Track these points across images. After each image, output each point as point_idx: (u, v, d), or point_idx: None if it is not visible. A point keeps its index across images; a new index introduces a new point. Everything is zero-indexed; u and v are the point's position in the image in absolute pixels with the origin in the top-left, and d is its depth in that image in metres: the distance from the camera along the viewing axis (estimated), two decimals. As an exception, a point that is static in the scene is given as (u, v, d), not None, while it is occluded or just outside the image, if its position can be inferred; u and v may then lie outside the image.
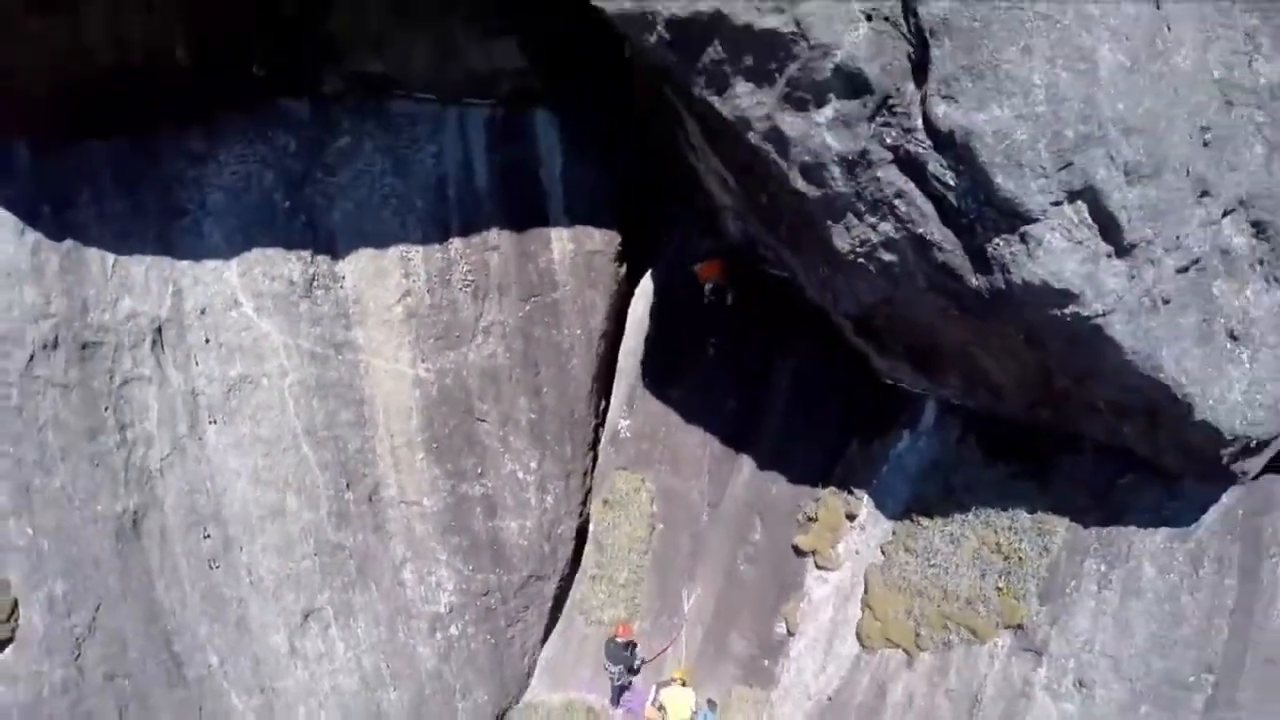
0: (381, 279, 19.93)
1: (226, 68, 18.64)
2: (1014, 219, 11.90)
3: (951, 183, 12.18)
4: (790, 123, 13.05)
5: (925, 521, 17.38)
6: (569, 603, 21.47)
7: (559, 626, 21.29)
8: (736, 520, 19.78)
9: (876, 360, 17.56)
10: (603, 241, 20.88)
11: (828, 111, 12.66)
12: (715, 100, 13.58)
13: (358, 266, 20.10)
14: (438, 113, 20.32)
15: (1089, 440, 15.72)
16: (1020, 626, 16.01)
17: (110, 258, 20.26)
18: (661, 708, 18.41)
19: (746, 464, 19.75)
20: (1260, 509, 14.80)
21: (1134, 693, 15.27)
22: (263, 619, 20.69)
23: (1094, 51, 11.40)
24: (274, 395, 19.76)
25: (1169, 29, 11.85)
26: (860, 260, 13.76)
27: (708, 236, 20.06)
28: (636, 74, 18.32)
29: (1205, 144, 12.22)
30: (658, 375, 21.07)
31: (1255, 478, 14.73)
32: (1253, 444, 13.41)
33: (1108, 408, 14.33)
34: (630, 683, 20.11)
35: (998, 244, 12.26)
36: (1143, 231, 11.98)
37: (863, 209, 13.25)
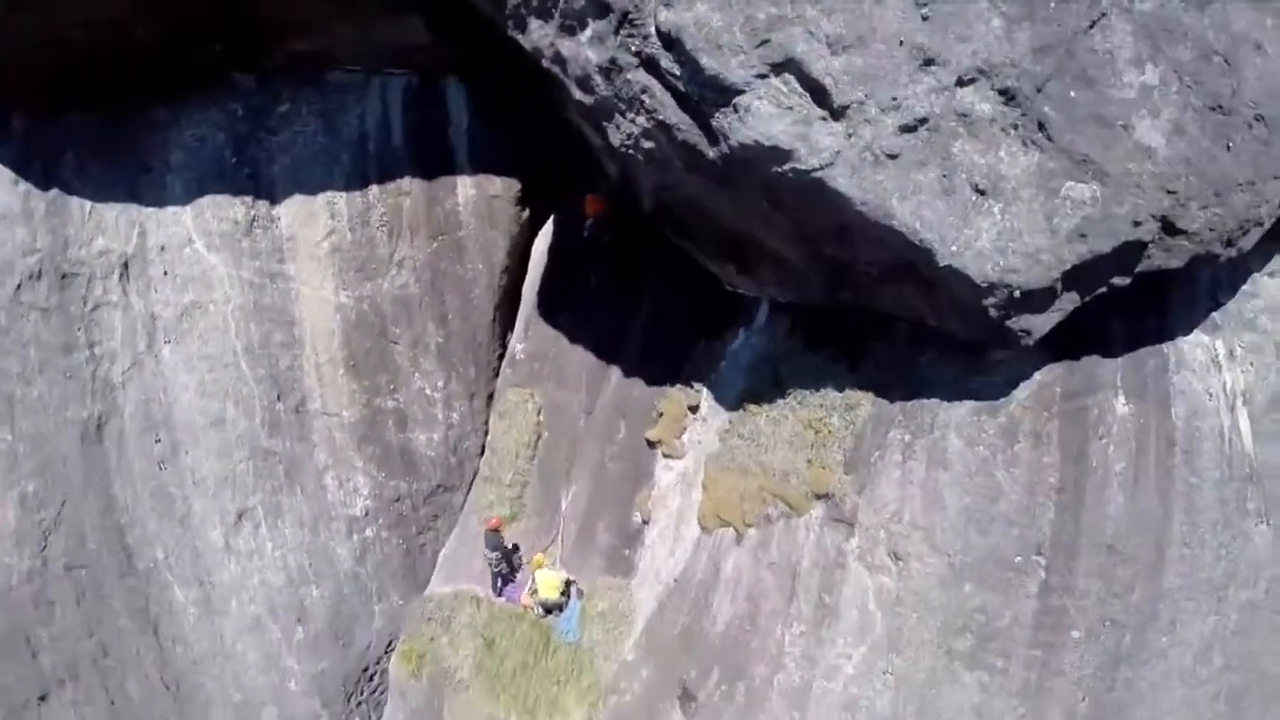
0: (311, 220, 22.05)
1: (185, 47, 22.14)
2: (724, 93, 13.73)
3: (678, 73, 14.05)
4: (565, 45, 15.49)
5: (754, 409, 18.75)
6: (466, 504, 23.75)
7: (457, 527, 23.52)
8: (605, 423, 21.68)
9: (709, 264, 19.30)
10: (503, 188, 23.72)
11: (587, 32, 14.92)
12: (519, 37, 16.44)
13: (291, 210, 22.28)
14: (363, 81, 23.55)
15: (900, 325, 16.77)
16: (829, 495, 16.82)
17: (88, 205, 23.68)
18: (534, 591, 20.93)
19: (615, 374, 21.88)
20: (1083, 389, 15.52)
21: (954, 568, 15.77)
22: (203, 516, 23.35)
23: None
24: (219, 319, 22.20)
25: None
26: (631, 151, 15.83)
27: (596, 178, 22.32)
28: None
29: (924, 19, 13.46)
30: (549, 303, 23.53)
31: (1075, 356, 15.63)
32: (1016, 294, 14.12)
33: (881, 274, 15.60)
34: (509, 572, 22.30)
35: (718, 117, 13.99)
36: (853, 94, 13.43)
37: (623, 107, 15.23)
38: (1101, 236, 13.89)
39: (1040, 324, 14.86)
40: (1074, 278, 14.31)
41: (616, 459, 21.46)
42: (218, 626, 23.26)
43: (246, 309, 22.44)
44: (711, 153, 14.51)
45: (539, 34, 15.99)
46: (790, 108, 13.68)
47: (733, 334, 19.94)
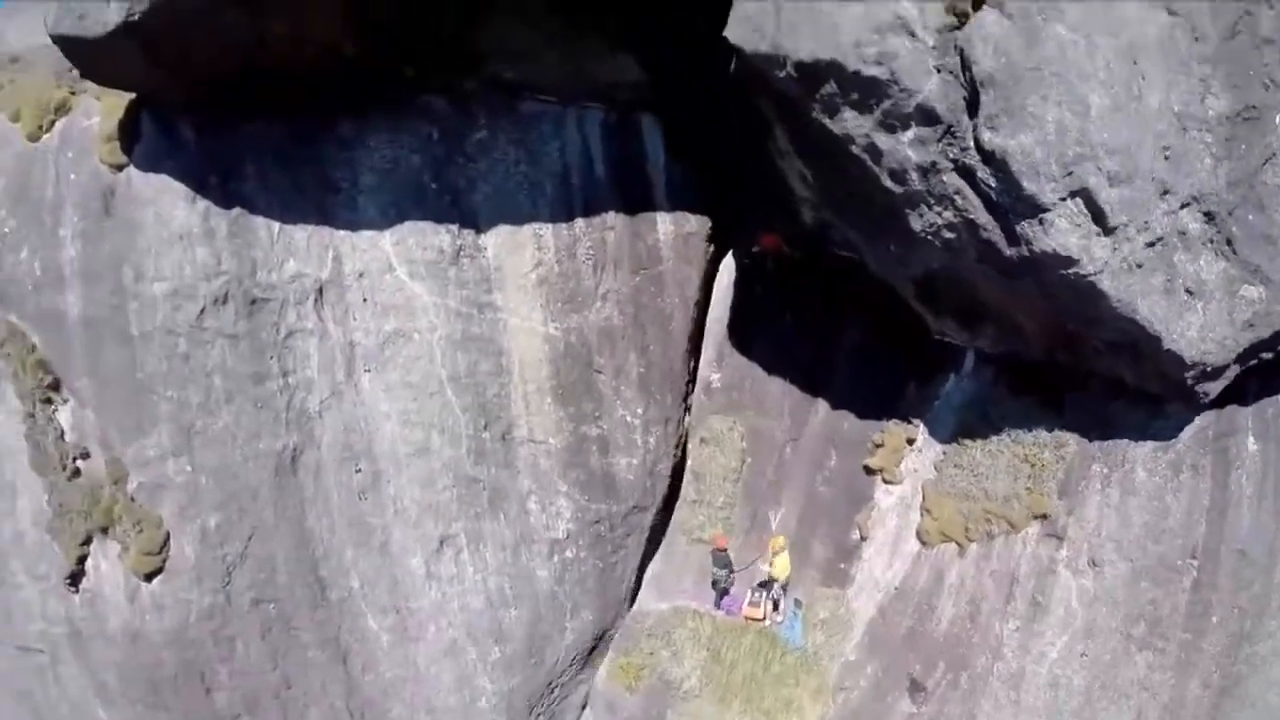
0: (518, 251, 17.99)
1: (385, 65, 14.36)
2: (1034, 208, 13.23)
3: (993, 184, 13.45)
4: (882, 140, 14.04)
5: (968, 443, 17.16)
6: (671, 525, 19.65)
7: (663, 546, 19.71)
8: (814, 451, 18.41)
9: (931, 320, 17.60)
10: (697, 225, 18.96)
11: (910, 134, 13.80)
12: (826, 120, 14.31)
13: (498, 240, 17.79)
14: (559, 113, 17.88)
15: (1095, 378, 16.06)
16: (1045, 516, 16.25)
17: (275, 225, 16.77)
18: (770, 565, 17.09)
19: (821, 406, 18.58)
20: (1227, 432, 15.36)
21: (1134, 571, 15.51)
22: (403, 544, 17.35)
23: (1087, 98, 12.87)
24: (423, 347, 17.67)
25: (1143, 78, 13.09)
26: (929, 238, 14.85)
27: (782, 222, 18.36)
28: (731, 88, 16.57)
29: (1166, 158, 13.18)
30: (743, 336, 19.56)
31: (1221, 405, 14.96)
32: (1208, 369, 14.26)
33: (1106, 347, 15.26)
34: (730, 588, 18.24)
35: (1024, 226, 13.35)
36: (1120, 218, 13.12)
37: (932, 201, 14.31)
38: (1264, 327, 14.02)
39: (1214, 388, 14.73)
40: (1241, 356, 14.53)
41: (829, 483, 18.20)
42: (412, 653, 17.70)
43: (453, 338, 17.67)
44: (1009, 251, 13.84)
45: (853, 124, 13.98)
46: (1079, 225, 13.12)
47: (944, 378, 17.60)
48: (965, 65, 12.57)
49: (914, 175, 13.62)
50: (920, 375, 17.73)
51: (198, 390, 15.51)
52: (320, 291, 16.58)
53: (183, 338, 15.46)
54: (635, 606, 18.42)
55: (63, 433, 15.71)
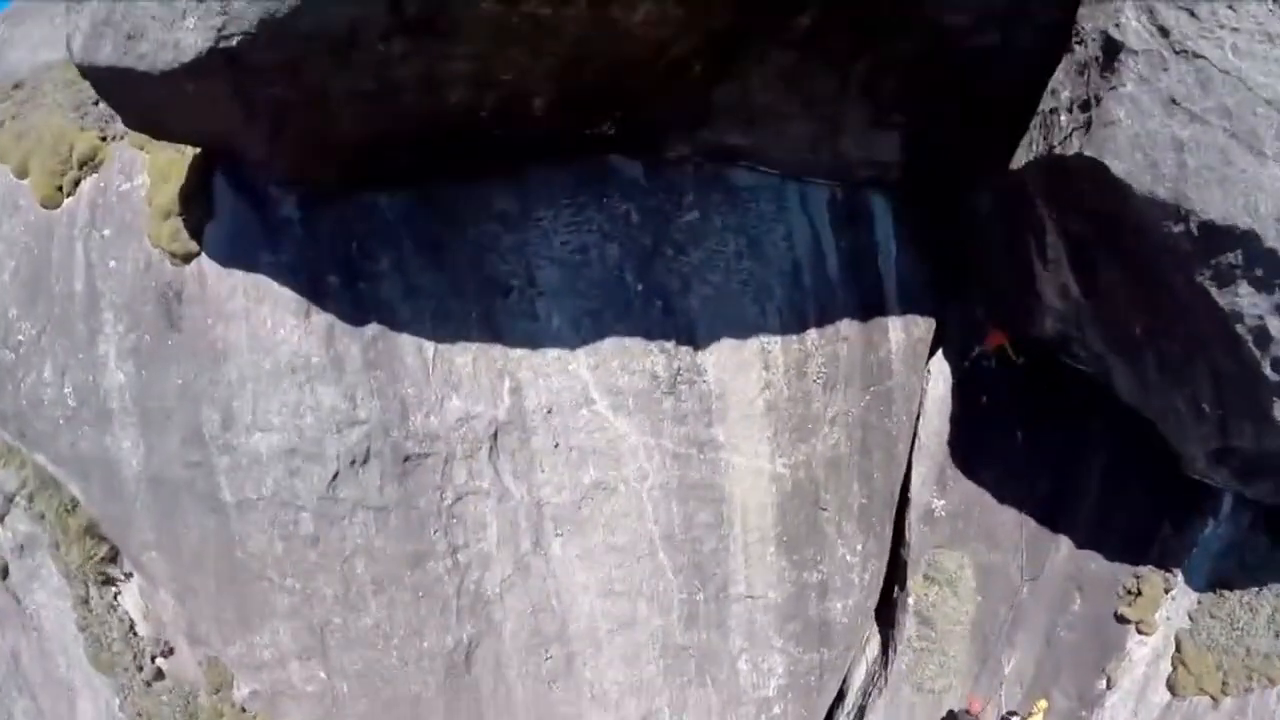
0: (744, 371, 10.12)
1: (577, 123, 5.29)
2: None
3: None
4: (1275, 324, 7.29)
5: (1225, 593, 11.11)
6: (893, 672, 12.17)
7: (885, 697, 12.28)
8: (1056, 592, 11.89)
9: (1202, 467, 10.29)
10: (925, 329, 11.56)
11: None
12: (1212, 289, 7.53)
13: (720, 358, 10.00)
14: (778, 186, 10.12)
15: None
16: None
17: (429, 346, 8.93)
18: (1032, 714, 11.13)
19: (1064, 542, 11.79)
20: None
21: None
22: None
23: None
24: (631, 501, 10.67)
25: None
26: None
27: (1013, 325, 11.24)
28: (994, 175, 9.40)
29: None
30: (968, 456, 12.07)
31: None
32: None
33: None
34: None
35: None
36: None
37: None
38: None
39: None
40: None
41: (1072, 628, 11.83)
42: None
43: (668, 487, 10.00)
44: None
45: (1247, 302, 7.28)
46: None
47: (1201, 522, 11.15)
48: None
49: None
50: (1175, 515, 11.43)
51: (332, 579, 8.38)
52: (495, 437, 8.80)
53: (307, 512, 8.18)
54: (854, 767, 12.51)
55: (133, 624, 9.17)
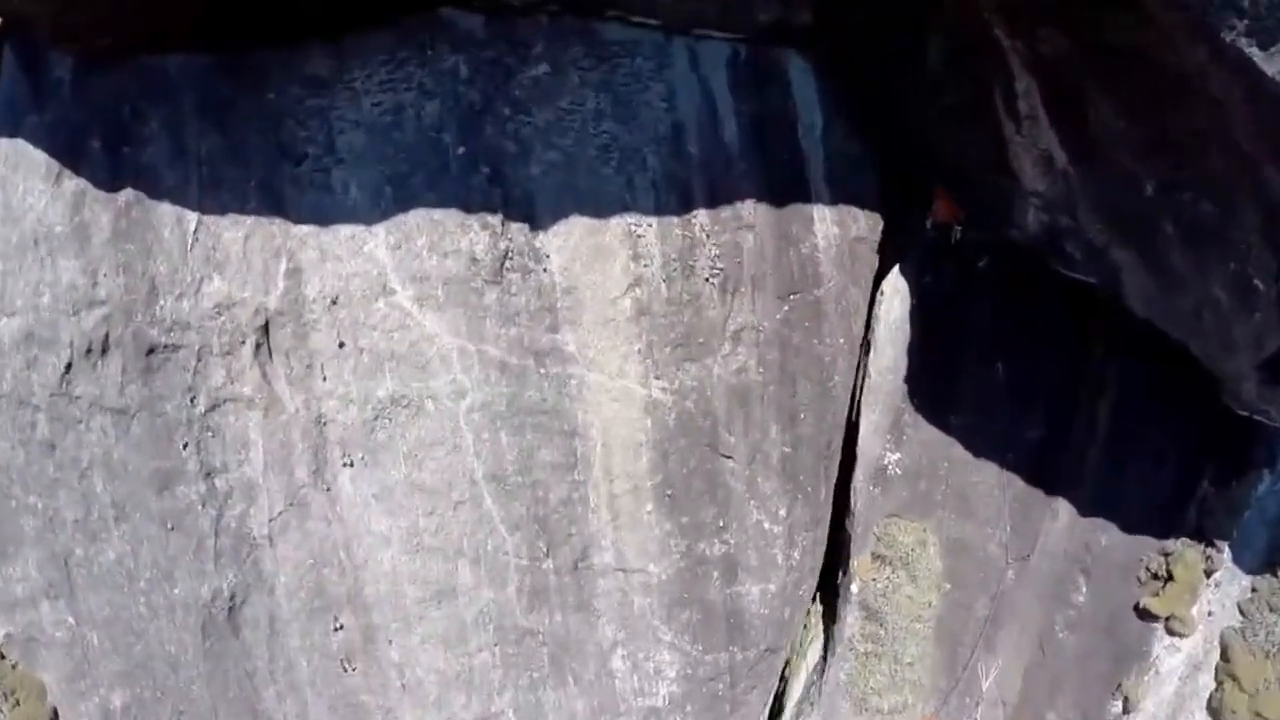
0: (602, 261, 7.28)
1: None
2: None
3: None
4: None
5: None
6: (828, 684, 8.42)
7: (819, 710, 8.43)
8: (1052, 577, 8.03)
9: (1252, 395, 6.62)
10: (868, 226, 8.19)
11: None
12: (1253, 51, 4.30)
13: (568, 242, 7.22)
14: (660, 42, 7.40)
15: None
16: None
17: (191, 218, 6.87)
18: None
19: (1063, 508, 7.97)
20: None
21: None
22: None
23: None
24: (443, 425, 7.13)
25: None
26: None
27: (987, 222, 7.89)
28: (946, 10, 6.76)
29: None
30: (931, 397, 8.38)
31: None
32: None
33: None
34: None
35: None
36: None
37: None
38: None
39: None
40: None
41: (1075, 628, 7.85)
42: None
43: (494, 409, 7.00)
44: None
45: None
46: None
47: (1253, 474, 7.25)
48: None
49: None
50: (1216, 467, 7.61)
51: (72, 499, 6.47)
52: (265, 331, 6.60)
53: (42, 412, 6.36)
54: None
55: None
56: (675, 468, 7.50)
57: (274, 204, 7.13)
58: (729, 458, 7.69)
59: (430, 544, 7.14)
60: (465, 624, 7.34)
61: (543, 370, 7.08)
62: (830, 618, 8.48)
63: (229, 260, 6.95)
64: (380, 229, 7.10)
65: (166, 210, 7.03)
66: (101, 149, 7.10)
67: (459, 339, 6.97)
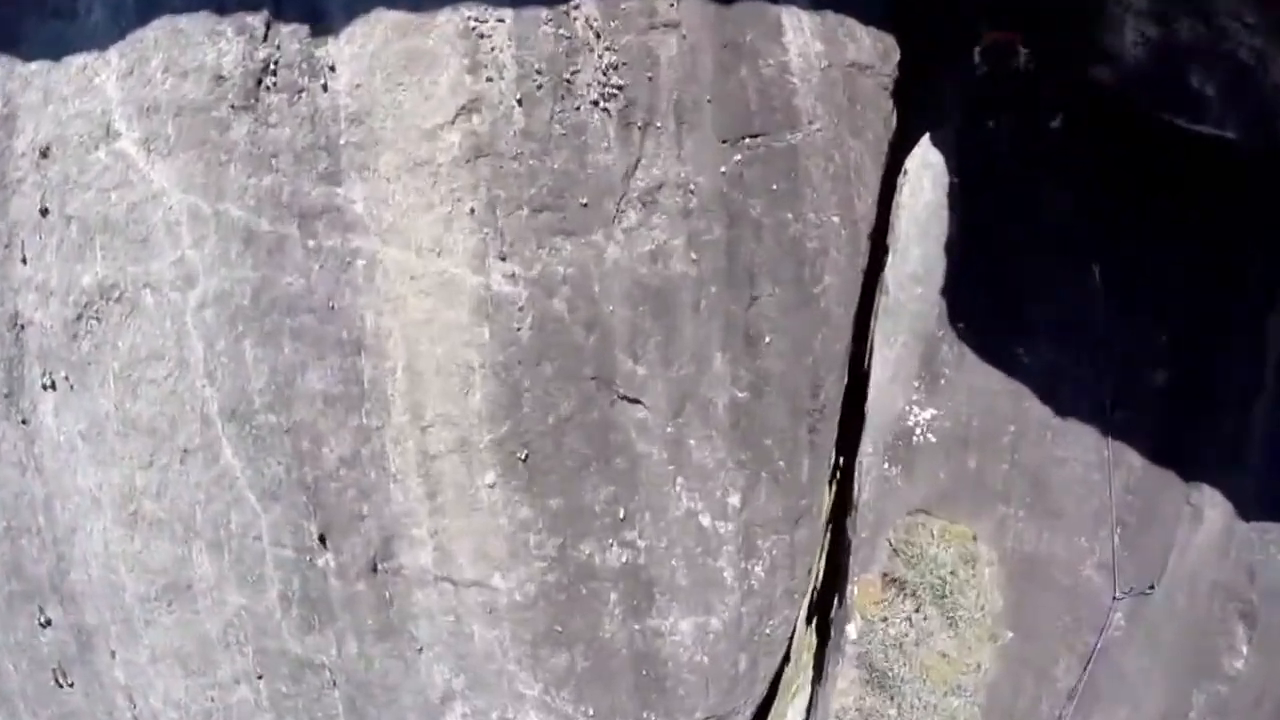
0: (418, 72, 4.11)
1: None
2: None
3: None
4: None
5: None
6: None
7: None
8: (1191, 625, 3.73)
9: None
10: (874, 51, 4.23)
11: None
12: None
13: (366, 47, 4.11)
14: None
15: None
16: None
17: None
18: None
19: (1210, 507, 3.71)
20: None
21: None
22: None
23: None
24: (164, 329, 4.19)
25: None
26: None
27: (1069, 52, 4.06)
28: None
29: None
30: (986, 321, 4.29)
31: None
32: None
33: None
34: None
35: None
36: None
37: None
38: None
39: None
40: None
41: (1230, 713, 3.53)
42: None
43: (234, 303, 4.05)
44: None
45: None
46: None
47: None
48: None
49: None
50: None
51: None
52: None
53: None
54: None
55: None
56: (534, 412, 4.30)
57: (9, 40, 5.02)
58: (635, 401, 4.38)
59: (151, 512, 4.45)
60: (209, 640, 4.53)
61: (311, 243, 4.25)
62: (818, 672, 4.68)
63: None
64: (114, 52, 4.71)
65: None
66: None
67: (190, 195, 4.32)
